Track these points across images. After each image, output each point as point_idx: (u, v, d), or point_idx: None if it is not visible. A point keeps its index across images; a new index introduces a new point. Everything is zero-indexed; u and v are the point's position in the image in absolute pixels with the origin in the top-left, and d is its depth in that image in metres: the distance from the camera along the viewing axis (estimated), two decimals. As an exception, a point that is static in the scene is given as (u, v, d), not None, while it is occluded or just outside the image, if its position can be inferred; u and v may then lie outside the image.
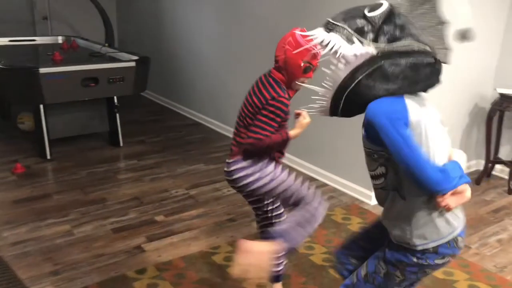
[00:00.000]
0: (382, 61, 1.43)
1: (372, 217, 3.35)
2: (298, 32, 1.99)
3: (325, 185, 3.93)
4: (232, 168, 2.11)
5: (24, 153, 4.29)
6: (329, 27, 1.49)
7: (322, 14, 1.59)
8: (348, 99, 1.50)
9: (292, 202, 2.11)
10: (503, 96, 3.86)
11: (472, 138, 4.27)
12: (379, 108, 1.44)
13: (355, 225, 3.28)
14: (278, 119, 1.99)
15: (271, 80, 2.04)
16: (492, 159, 4.13)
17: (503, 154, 4.19)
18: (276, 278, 2.39)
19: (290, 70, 2.00)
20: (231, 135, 5.00)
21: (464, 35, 1.53)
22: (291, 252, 1.89)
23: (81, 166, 4.09)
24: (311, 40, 1.54)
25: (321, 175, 3.97)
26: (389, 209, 1.60)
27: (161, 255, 2.82)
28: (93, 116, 4.55)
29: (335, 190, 3.84)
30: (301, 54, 1.95)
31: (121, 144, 4.62)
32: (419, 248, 1.55)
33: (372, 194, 3.57)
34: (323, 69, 1.62)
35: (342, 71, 1.47)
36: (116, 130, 4.59)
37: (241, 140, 2.08)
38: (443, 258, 1.58)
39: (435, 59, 1.49)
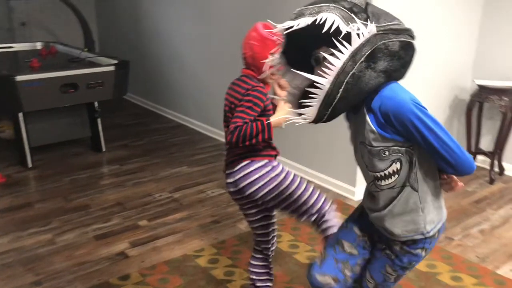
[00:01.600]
0: (382, 41, 1.34)
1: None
2: (276, 24, 1.95)
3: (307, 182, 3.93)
4: (237, 177, 2.03)
5: (4, 162, 4.24)
6: (314, 11, 1.34)
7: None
8: (348, 86, 1.34)
9: (304, 211, 2.09)
10: (481, 88, 3.89)
11: (453, 130, 4.30)
12: (399, 97, 1.37)
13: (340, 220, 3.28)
14: (257, 108, 1.93)
15: (243, 77, 2.02)
16: (473, 150, 4.17)
17: (484, 145, 4.23)
18: None
19: (258, 65, 1.95)
20: (214, 136, 5.01)
21: None
22: None
23: (63, 173, 4.05)
24: (275, 32, 1.44)
25: (303, 172, 3.96)
26: (399, 207, 1.52)
27: (144, 260, 2.80)
28: (74, 122, 4.51)
29: (317, 186, 3.84)
30: (268, 47, 1.88)
31: (104, 149, 4.59)
32: (431, 233, 1.56)
33: (356, 189, 3.58)
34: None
35: (343, 55, 1.31)
36: (98, 135, 4.55)
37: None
38: (438, 239, 1.64)
39: (413, 39, 1.44)
